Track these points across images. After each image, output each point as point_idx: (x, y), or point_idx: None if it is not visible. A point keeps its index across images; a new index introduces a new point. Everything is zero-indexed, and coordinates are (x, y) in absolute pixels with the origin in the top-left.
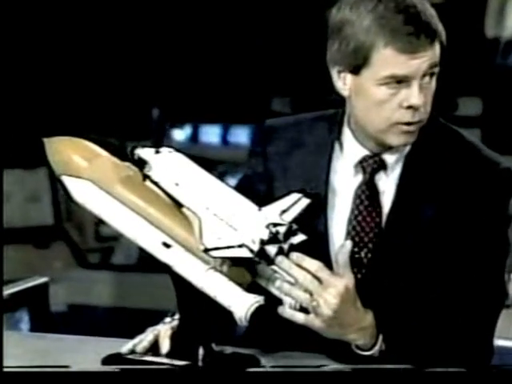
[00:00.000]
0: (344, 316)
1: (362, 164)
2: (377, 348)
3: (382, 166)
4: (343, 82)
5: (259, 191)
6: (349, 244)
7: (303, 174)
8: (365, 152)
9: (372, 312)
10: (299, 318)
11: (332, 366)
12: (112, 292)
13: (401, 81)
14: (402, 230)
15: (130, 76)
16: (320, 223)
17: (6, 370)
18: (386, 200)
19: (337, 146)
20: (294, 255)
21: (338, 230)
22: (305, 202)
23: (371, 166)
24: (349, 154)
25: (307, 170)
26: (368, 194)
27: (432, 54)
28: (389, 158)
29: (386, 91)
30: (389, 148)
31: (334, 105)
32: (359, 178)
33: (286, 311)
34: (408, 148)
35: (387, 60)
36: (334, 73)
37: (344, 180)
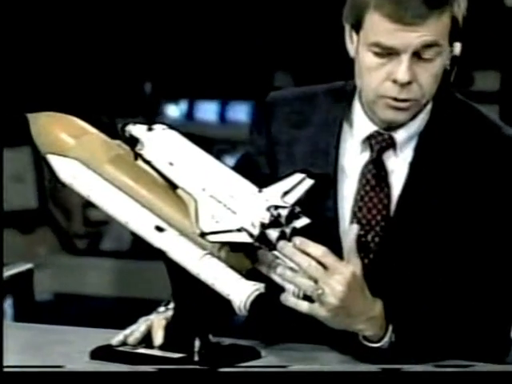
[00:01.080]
0: (351, 305)
1: (369, 141)
2: (386, 339)
3: (391, 144)
4: (351, 41)
5: (260, 172)
6: (355, 227)
7: (310, 153)
8: (374, 128)
9: (381, 301)
10: (303, 306)
11: (333, 365)
12: (101, 280)
13: (390, 53)
14: (414, 213)
15: (120, 47)
16: (329, 206)
17: (6, 369)
18: (395, 181)
19: (346, 122)
20: (298, 240)
21: (347, 213)
22: (308, 182)
23: (379, 143)
24: (358, 130)
25: (314, 148)
26: (375, 173)
27: (428, 31)
28: (399, 135)
29: (374, 59)
30: (399, 125)
31: (342, 78)
32: (366, 155)
33: (289, 299)
34: (422, 126)
35: (374, 25)
36: (346, 31)
37: (353, 158)
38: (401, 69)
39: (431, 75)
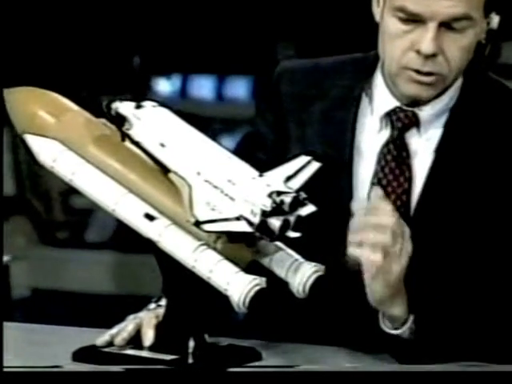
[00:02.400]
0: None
1: (390, 117)
2: (407, 326)
3: (415, 123)
4: (377, 3)
5: (265, 153)
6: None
7: (324, 130)
8: (396, 104)
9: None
10: (377, 257)
11: (341, 365)
12: (85, 275)
13: (416, 20)
14: (438, 200)
15: (105, 15)
16: (343, 191)
17: (5, 369)
18: (418, 163)
19: (366, 96)
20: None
21: (364, 198)
22: (315, 165)
23: (401, 120)
24: (378, 105)
25: (329, 125)
26: (396, 154)
27: (460, 1)
28: (423, 113)
29: (398, 25)
30: (424, 102)
31: (356, 50)
32: (386, 134)
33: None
34: (450, 104)
35: None
36: None
37: (371, 137)
38: (426, 39)
39: (460, 48)
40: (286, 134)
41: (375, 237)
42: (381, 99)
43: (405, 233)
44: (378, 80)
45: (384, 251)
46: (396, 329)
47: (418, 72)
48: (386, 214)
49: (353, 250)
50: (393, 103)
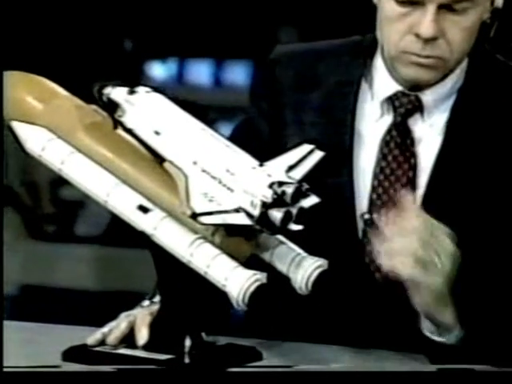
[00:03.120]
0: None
1: (392, 102)
2: (455, 333)
3: (418, 107)
4: None
5: (262, 141)
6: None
7: (321, 117)
8: (398, 88)
9: None
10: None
11: (337, 366)
12: (75, 270)
13: (414, 2)
14: (445, 189)
15: None
16: (343, 181)
17: (5, 369)
18: (423, 150)
19: (365, 81)
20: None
21: (365, 189)
22: (318, 154)
23: (404, 105)
24: (379, 90)
25: (327, 112)
26: (399, 141)
27: None
28: (426, 97)
29: (396, 7)
30: (427, 86)
31: (354, 33)
32: (388, 120)
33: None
34: (454, 88)
35: None
36: None
37: (372, 124)
38: (425, 21)
39: (462, 30)
40: (282, 121)
41: (400, 244)
42: (381, 83)
43: (438, 237)
44: (378, 63)
45: (415, 258)
46: (441, 335)
47: (417, 55)
48: (410, 217)
49: (385, 262)
50: (394, 87)
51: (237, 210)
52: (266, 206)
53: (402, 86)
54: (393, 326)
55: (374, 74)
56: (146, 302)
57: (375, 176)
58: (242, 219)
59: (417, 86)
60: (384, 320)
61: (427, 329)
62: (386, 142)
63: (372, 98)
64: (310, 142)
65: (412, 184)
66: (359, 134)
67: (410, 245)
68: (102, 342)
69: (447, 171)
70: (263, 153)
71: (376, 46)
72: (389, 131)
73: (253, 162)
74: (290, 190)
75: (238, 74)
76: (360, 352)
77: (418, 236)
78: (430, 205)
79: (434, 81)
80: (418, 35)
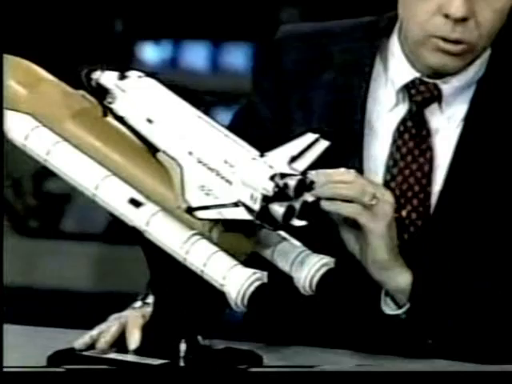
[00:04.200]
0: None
1: (408, 90)
2: (406, 307)
3: (437, 97)
4: None
5: (264, 129)
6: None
7: (330, 104)
8: (415, 74)
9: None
10: (350, 210)
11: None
12: (60, 268)
13: None
14: (463, 185)
15: None
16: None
17: (5, 369)
18: (440, 143)
19: (378, 67)
20: (322, 175)
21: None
22: (324, 144)
23: (422, 93)
24: (394, 76)
25: (336, 99)
26: (414, 132)
27: None
28: (446, 86)
29: None
30: (447, 73)
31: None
32: (403, 109)
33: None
34: (476, 78)
35: None
36: None
37: (385, 113)
38: (455, 1)
39: (494, 12)
40: (286, 108)
41: (344, 191)
42: (397, 69)
43: (377, 188)
44: (395, 47)
45: (359, 204)
46: (398, 307)
47: (445, 40)
48: (348, 173)
49: (328, 205)
50: (412, 74)
51: (236, 204)
52: (267, 200)
53: (421, 72)
54: (401, 332)
55: (389, 58)
56: (138, 304)
57: (388, 169)
58: (241, 214)
59: (437, 74)
60: (393, 323)
61: (385, 302)
62: (400, 133)
63: (386, 84)
64: (314, 131)
65: (428, 179)
66: (371, 123)
67: (350, 191)
68: (91, 346)
69: (466, 167)
70: (265, 142)
71: (392, 27)
72: (403, 121)
73: (253, 152)
74: (292, 182)
75: (237, 57)
76: (367, 357)
77: (356, 185)
78: (446, 202)
79: (458, 69)
80: (447, 16)
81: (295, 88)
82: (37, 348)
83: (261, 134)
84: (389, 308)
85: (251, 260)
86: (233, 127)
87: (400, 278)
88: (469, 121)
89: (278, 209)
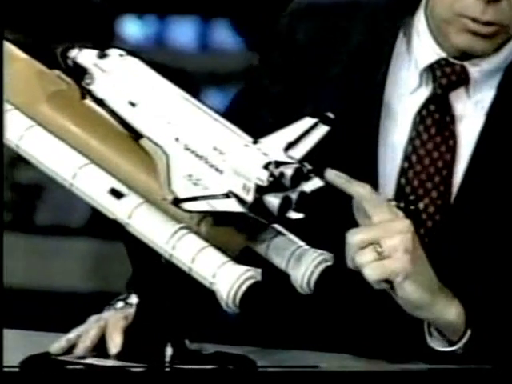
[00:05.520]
0: (419, 270)
1: (433, 71)
2: (464, 341)
3: (464, 80)
4: None
5: (267, 114)
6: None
7: (345, 85)
8: (441, 55)
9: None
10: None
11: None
12: (35, 266)
13: None
14: (489, 177)
15: None
16: (366, 160)
17: (5, 369)
18: (464, 131)
19: (401, 45)
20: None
21: (392, 172)
22: (322, 129)
23: (447, 76)
24: (418, 56)
25: (352, 78)
26: (438, 117)
27: None
28: (475, 69)
29: None
30: (476, 56)
31: None
32: (426, 92)
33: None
34: (507, 62)
35: None
36: None
37: (406, 95)
38: None
39: None
40: (297, 88)
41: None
42: (423, 49)
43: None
44: (421, 24)
45: (376, 251)
46: (450, 344)
47: (474, 20)
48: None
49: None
50: (437, 54)
51: (226, 195)
52: (260, 191)
53: (447, 52)
54: (404, 335)
55: (413, 36)
56: (120, 304)
57: (406, 157)
58: (232, 206)
59: (466, 55)
60: (396, 324)
61: (431, 338)
62: (421, 118)
63: (409, 64)
64: (312, 115)
65: (449, 169)
66: (389, 105)
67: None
68: (68, 351)
69: (489, 159)
70: (276, 120)
71: (419, 1)
72: (426, 104)
73: (245, 138)
74: (289, 171)
75: (228, 36)
76: (370, 362)
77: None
78: (466, 196)
79: (487, 52)
80: None
81: (307, 66)
82: (7, 352)
83: (271, 113)
84: (441, 344)
85: (243, 256)
86: (236, 110)
87: (447, 312)
88: (494, 108)
89: (273, 200)
